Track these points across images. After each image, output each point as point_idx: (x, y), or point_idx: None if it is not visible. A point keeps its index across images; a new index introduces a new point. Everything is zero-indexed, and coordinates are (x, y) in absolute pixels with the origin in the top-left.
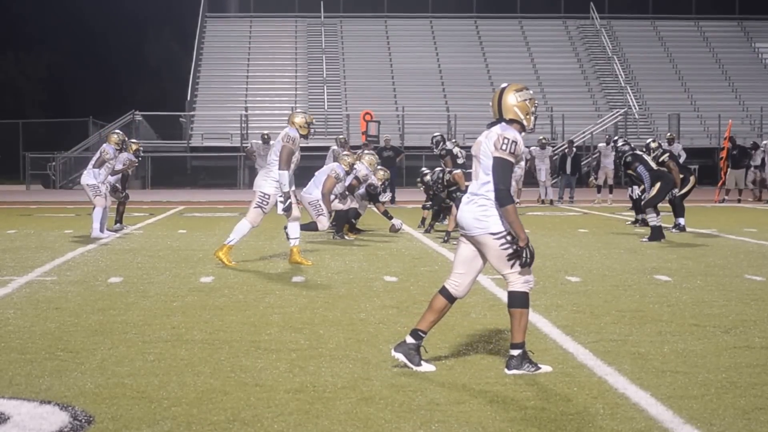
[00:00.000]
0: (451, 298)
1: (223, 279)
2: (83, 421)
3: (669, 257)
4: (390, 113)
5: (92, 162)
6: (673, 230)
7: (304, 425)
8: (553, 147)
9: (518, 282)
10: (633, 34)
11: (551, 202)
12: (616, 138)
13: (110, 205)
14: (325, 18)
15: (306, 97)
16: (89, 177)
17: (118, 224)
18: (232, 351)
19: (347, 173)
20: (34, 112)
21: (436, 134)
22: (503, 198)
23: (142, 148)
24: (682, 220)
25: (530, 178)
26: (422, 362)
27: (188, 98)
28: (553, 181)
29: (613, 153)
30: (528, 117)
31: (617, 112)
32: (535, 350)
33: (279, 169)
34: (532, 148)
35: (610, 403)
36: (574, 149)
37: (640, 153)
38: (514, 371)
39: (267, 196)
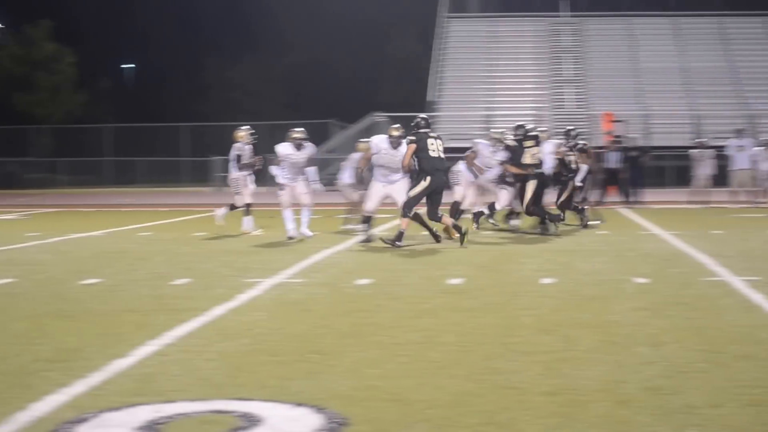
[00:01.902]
0: None
1: (473, 281)
2: (337, 423)
3: None
4: (634, 112)
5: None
6: None
7: (559, 428)
8: None
9: None
10: None
11: None
12: None
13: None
14: (566, 17)
15: (549, 97)
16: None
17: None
18: (485, 353)
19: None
20: (276, 114)
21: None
22: None
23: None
24: None
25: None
26: None
27: (431, 99)
28: None
29: None
30: None
31: None
32: None
33: None
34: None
35: None
36: None
37: None
38: None
39: None
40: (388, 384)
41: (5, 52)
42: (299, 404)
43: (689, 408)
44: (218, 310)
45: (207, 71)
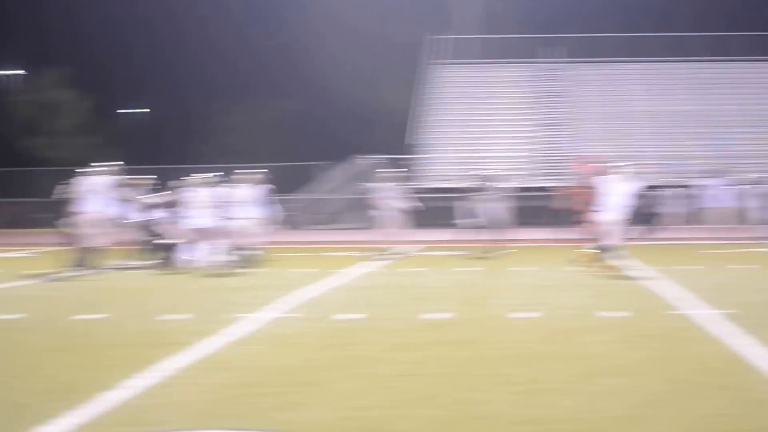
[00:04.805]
0: None
1: (456, 315)
2: None
3: None
4: (617, 155)
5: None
6: None
7: None
8: None
9: None
10: None
11: None
12: None
13: None
14: (543, 63)
15: (526, 139)
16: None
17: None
18: (464, 384)
19: None
20: (271, 156)
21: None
22: None
23: None
24: None
25: None
26: None
27: (409, 141)
28: None
29: None
30: None
31: None
32: None
33: None
34: None
35: None
36: None
37: None
38: None
39: None
40: (369, 414)
41: (20, 97)
42: None
43: None
44: (206, 345)
45: (208, 116)
